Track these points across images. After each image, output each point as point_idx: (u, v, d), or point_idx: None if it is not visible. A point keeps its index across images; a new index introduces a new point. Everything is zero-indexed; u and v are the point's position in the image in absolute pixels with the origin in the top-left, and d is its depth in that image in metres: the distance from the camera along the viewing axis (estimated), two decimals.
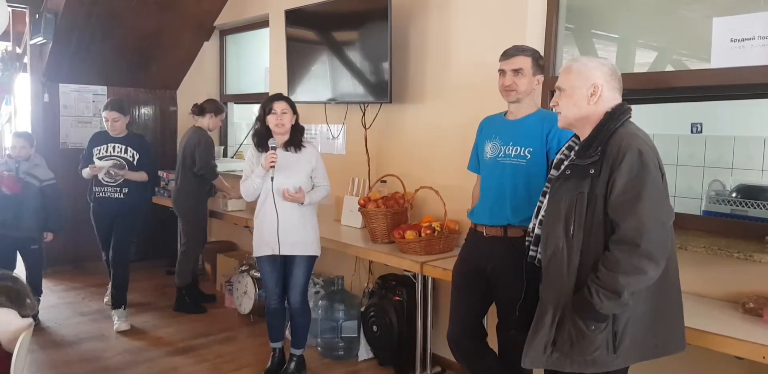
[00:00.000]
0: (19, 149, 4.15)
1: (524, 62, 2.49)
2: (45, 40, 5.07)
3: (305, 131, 3.41)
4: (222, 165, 5.38)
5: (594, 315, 1.80)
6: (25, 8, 5.26)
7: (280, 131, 3.23)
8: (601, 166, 1.83)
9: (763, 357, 1.94)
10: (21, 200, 4.09)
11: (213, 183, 4.66)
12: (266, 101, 3.27)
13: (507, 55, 2.53)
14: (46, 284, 4.87)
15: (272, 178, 3.13)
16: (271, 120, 3.21)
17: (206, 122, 4.56)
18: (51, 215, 4.27)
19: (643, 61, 3.38)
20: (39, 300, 4.34)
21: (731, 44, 2.54)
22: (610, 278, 1.76)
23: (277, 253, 3.23)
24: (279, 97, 3.28)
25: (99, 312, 4.51)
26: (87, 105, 5.69)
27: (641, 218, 1.75)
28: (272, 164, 3.10)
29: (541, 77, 2.55)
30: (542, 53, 3.04)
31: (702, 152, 3.91)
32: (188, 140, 4.53)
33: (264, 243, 3.27)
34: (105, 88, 5.75)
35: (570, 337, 1.85)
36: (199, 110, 4.57)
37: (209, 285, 5.26)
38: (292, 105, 3.28)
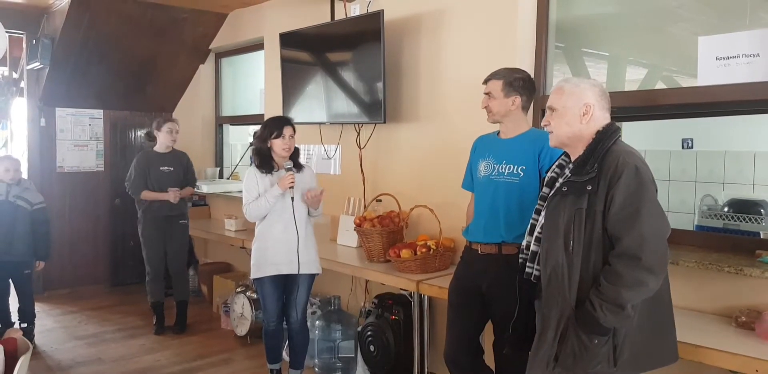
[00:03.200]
0: (11, 173, 4.09)
1: (493, 86, 2.58)
2: (42, 65, 5.12)
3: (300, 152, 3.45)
4: (217, 186, 5.43)
5: (598, 328, 1.82)
6: (22, 34, 5.33)
7: (285, 155, 3.27)
8: (599, 182, 1.86)
9: (756, 371, 1.96)
10: (13, 224, 4.05)
11: (142, 198, 4.45)
12: (274, 124, 3.26)
13: (485, 79, 2.64)
14: (42, 307, 4.87)
15: (292, 197, 3.21)
16: (278, 144, 3.23)
17: (161, 141, 4.49)
18: (40, 242, 4.19)
19: (634, 78, 3.43)
20: (33, 326, 4.31)
21: (716, 62, 2.59)
22: (613, 292, 1.79)
23: (292, 272, 3.25)
24: (287, 121, 3.31)
25: (95, 336, 4.49)
26: (83, 129, 5.73)
27: (641, 232, 1.79)
28: (291, 184, 3.17)
29: (517, 98, 2.56)
30: (532, 73, 3.11)
31: (693, 168, 3.95)
32: None
33: (269, 263, 3.27)
34: (101, 111, 5.80)
35: (573, 351, 1.87)
36: (151, 136, 4.57)
37: (206, 306, 5.25)
38: (295, 129, 3.33)
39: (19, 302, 4.23)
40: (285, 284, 3.33)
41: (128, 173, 4.51)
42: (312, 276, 3.35)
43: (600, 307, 1.80)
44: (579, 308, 1.87)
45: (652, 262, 1.78)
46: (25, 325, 4.20)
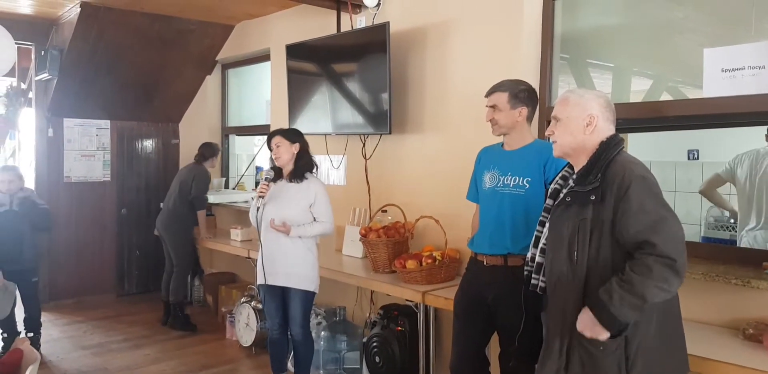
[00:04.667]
0: (8, 183, 4.06)
1: (499, 98, 2.57)
2: (50, 76, 5.16)
3: (314, 163, 3.39)
4: (223, 197, 5.45)
5: (607, 319, 1.78)
6: (30, 45, 5.39)
7: (280, 164, 3.30)
8: (603, 192, 1.86)
9: None
10: (20, 233, 4.06)
11: (197, 213, 4.93)
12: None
13: (487, 92, 2.62)
14: (47, 317, 4.87)
15: (258, 208, 3.22)
16: (271, 154, 3.32)
17: (208, 164, 5.01)
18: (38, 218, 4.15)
19: (639, 88, 3.44)
20: (39, 336, 4.30)
21: (722, 74, 2.60)
22: (640, 284, 1.74)
23: (269, 283, 3.27)
24: (275, 132, 3.37)
25: (101, 346, 4.49)
26: (91, 139, 5.76)
27: (673, 236, 1.78)
28: (261, 194, 3.19)
29: (523, 109, 2.56)
30: (537, 84, 3.12)
31: (699, 178, 3.95)
32: (189, 172, 4.93)
33: (261, 272, 3.32)
34: (108, 122, 5.83)
35: (581, 362, 1.86)
36: (201, 158, 5.01)
37: (211, 316, 5.25)
38: (288, 137, 3.32)
39: (26, 311, 4.24)
40: (283, 295, 3.34)
41: (200, 187, 4.88)
42: (304, 292, 3.28)
43: (619, 299, 1.75)
44: (591, 297, 1.83)
45: (682, 267, 1.76)
46: (31, 335, 4.20)
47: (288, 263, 3.25)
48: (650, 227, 1.79)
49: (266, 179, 3.22)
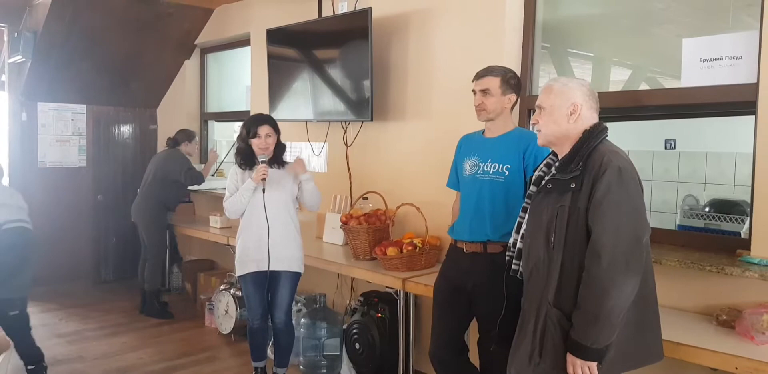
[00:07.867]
0: None
1: (491, 82, 2.55)
2: (24, 59, 5.05)
3: (286, 148, 3.41)
4: (202, 183, 5.39)
5: (590, 354, 1.82)
6: (3, 27, 5.26)
7: (267, 153, 3.25)
8: (583, 180, 1.88)
9: (736, 368, 1.99)
10: None
11: (201, 173, 4.94)
12: (250, 123, 3.25)
13: (477, 76, 2.61)
14: None
15: (264, 189, 3.16)
16: (255, 143, 3.21)
17: (188, 151, 4.97)
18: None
19: (618, 78, 3.47)
20: (42, 368, 3.49)
21: (700, 64, 2.63)
22: (600, 307, 1.78)
23: (266, 269, 3.22)
24: (263, 120, 3.26)
25: (76, 334, 4.45)
26: (66, 124, 5.66)
27: (609, 229, 1.80)
28: (263, 176, 3.12)
29: (513, 96, 2.58)
30: (518, 72, 3.12)
31: (676, 168, 3.99)
32: (165, 158, 4.90)
33: (250, 260, 3.26)
34: (84, 106, 5.73)
35: (554, 347, 1.88)
36: (173, 142, 4.96)
37: (189, 304, 5.22)
38: (276, 127, 3.29)
39: (16, 347, 3.42)
40: (269, 282, 3.32)
41: (189, 172, 4.84)
42: (294, 275, 3.31)
43: (595, 333, 1.80)
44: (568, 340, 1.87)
45: (613, 259, 1.78)
46: (32, 367, 3.42)
47: (286, 246, 3.25)
48: (594, 218, 1.82)
49: (262, 161, 3.19)
